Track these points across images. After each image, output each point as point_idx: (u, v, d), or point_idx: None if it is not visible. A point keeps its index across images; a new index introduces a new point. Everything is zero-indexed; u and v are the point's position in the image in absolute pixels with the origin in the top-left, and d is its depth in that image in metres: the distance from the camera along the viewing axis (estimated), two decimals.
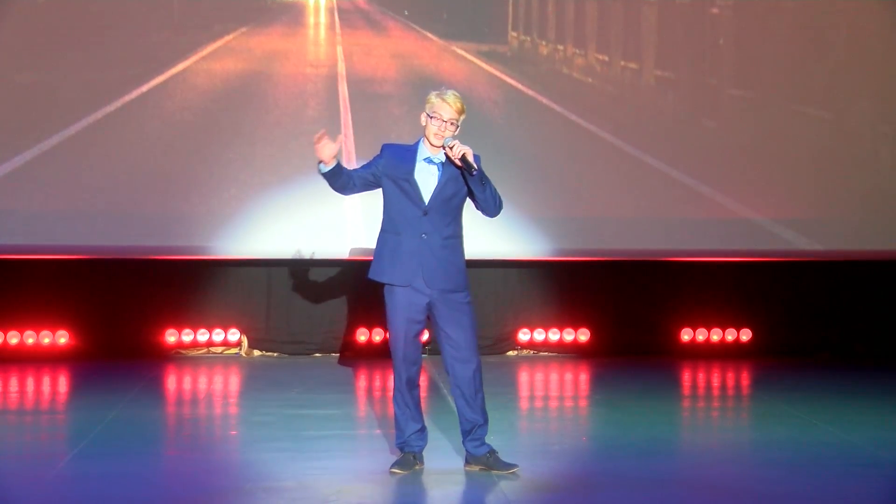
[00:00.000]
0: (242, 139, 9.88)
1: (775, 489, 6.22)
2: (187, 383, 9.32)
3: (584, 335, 10.47)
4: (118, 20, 9.78)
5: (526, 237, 10.05)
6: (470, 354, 6.41)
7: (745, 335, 10.66)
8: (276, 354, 10.31)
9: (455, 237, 6.43)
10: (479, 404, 6.46)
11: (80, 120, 9.71)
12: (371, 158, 6.48)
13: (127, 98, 9.76)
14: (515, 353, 10.49)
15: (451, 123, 6.27)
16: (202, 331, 10.18)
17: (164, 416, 8.20)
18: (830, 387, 9.28)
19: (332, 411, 8.15)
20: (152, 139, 9.80)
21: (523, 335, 10.45)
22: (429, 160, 6.35)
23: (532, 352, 10.50)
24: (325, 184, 9.63)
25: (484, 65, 10.13)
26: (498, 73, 10.12)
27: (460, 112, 6.28)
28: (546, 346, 10.49)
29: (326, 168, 6.33)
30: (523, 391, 9.38)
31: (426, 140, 6.35)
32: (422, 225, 6.33)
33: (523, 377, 9.72)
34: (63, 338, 10.00)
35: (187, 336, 10.16)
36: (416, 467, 6.46)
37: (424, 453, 6.55)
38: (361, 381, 9.48)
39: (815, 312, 10.69)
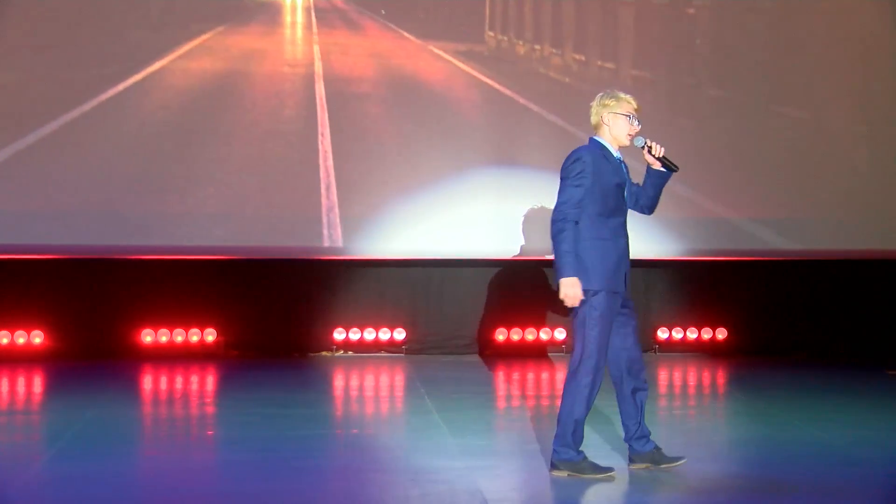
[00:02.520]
0: (220, 138, 9.85)
1: (752, 487, 6.24)
2: (164, 383, 9.29)
3: (560, 333, 10.48)
4: (94, 19, 9.75)
5: (498, 237, 10.06)
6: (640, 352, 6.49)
7: (722, 334, 10.70)
8: (253, 354, 10.28)
9: None
10: (642, 404, 6.47)
11: (56, 119, 9.67)
12: (577, 173, 6.23)
13: (103, 97, 9.73)
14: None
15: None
16: (178, 331, 10.15)
17: (141, 417, 8.17)
18: (807, 386, 9.31)
19: (309, 411, 8.13)
20: (129, 138, 9.76)
21: (500, 334, 10.47)
22: (618, 159, 6.39)
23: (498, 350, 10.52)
24: (300, 181, 9.60)
25: (461, 64, 10.13)
26: (475, 73, 10.13)
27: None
28: (523, 344, 10.49)
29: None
30: (500, 390, 9.39)
31: (612, 139, 6.36)
32: (623, 227, 6.36)
33: (500, 376, 9.74)
34: (38, 338, 9.95)
35: (164, 336, 10.12)
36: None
37: (406, 454, 6.54)
38: (339, 381, 9.47)
39: (791, 311, 10.73)
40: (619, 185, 6.33)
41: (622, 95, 6.39)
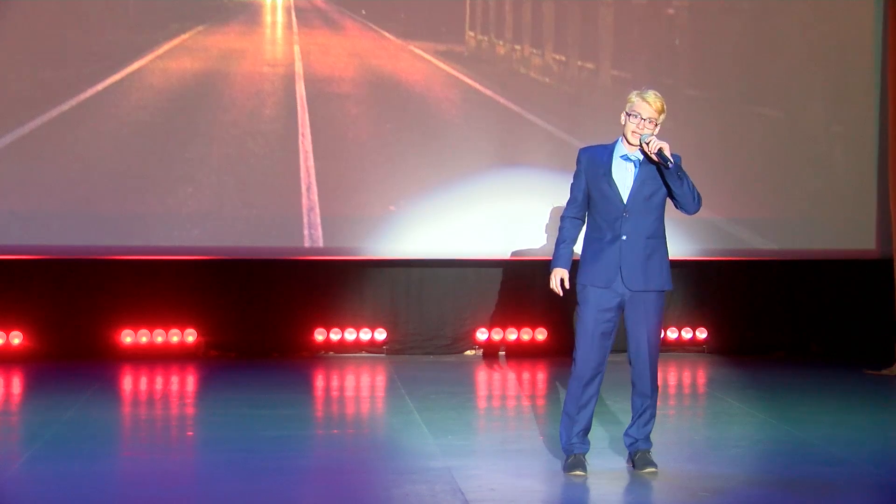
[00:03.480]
0: (199, 139, 9.83)
1: (731, 486, 6.26)
2: (143, 384, 9.27)
3: (541, 334, 10.50)
4: (73, 18, 9.71)
5: (478, 236, 10.06)
6: (654, 353, 6.46)
7: (702, 334, 10.73)
8: (233, 354, 10.27)
9: (657, 237, 6.43)
10: (654, 403, 6.53)
11: (35, 119, 9.63)
12: (575, 170, 6.50)
13: (82, 97, 9.69)
14: (473, 352, 10.51)
15: (650, 122, 6.28)
16: (158, 331, 10.13)
17: (121, 418, 8.15)
18: (785, 385, 9.35)
19: (290, 411, 8.12)
20: (107, 138, 9.73)
21: (481, 334, 10.49)
22: (625, 157, 6.36)
23: (478, 350, 10.53)
24: (280, 181, 9.64)
25: (441, 64, 10.13)
26: (455, 73, 10.13)
27: (660, 111, 6.29)
28: (504, 344, 10.51)
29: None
30: (481, 391, 9.39)
31: (624, 138, 6.36)
32: (623, 226, 6.34)
33: (480, 376, 9.74)
34: (17, 338, 9.91)
35: (144, 336, 10.09)
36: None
37: (387, 455, 6.54)
38: (319, 382, 9.47)
39: (769, 311, 10.77)
40: (611, 184, 6.34)
41: (644, 94, 6.31)
